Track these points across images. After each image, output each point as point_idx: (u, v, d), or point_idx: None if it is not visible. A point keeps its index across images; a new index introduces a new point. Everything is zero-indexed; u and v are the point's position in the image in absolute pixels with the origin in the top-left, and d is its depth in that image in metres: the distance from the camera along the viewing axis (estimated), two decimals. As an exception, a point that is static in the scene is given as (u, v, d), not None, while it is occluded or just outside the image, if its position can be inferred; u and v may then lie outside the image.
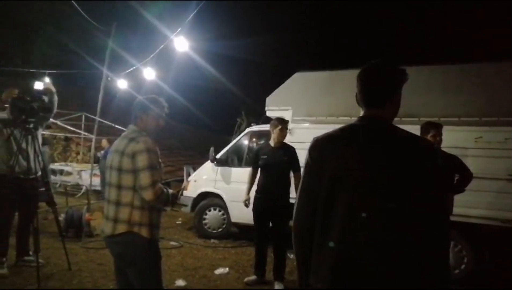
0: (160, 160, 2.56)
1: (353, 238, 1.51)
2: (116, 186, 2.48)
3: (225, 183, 6.70)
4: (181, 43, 6.82)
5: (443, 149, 4.05)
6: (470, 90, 4.97)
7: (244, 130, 7.58)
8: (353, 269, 1.51)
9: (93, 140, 8.38)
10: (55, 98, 4.64)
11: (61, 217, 5.86)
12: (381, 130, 1.60)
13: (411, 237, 1.48)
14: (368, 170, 1.53)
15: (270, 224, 4.65)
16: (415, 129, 4.06)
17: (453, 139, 4.59)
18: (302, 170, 1.77)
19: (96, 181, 10.07)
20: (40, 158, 4.42)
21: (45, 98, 4.45)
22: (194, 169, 7.61)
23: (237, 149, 6.91)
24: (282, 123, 4.61)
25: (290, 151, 4.58)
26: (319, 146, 1.68)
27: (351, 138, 1.63)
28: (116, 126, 9.36)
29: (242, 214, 5.88)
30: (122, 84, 8.85)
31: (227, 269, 5.09)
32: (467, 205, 4.55)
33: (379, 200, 1.51)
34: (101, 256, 5.13)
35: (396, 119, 1.66)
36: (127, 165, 2.44)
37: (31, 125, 4.35)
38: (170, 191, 2.62)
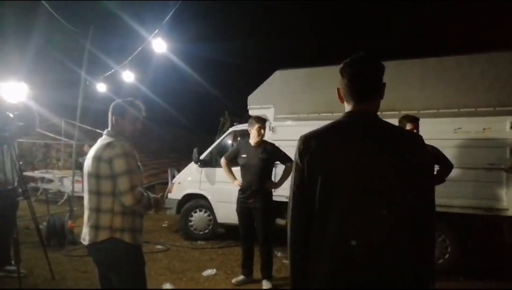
0: (139, 163, 2.51)
1: (349, 241, 1.49)
2: (95, 193, 2.42)
3: (210, 184, 6.65)
4: (159, 45, 6.76)
5: (422, 141, 4.10)
6: (448, 82, 5.07)
7: (228, 129, 7.55)
8: (351, 272, 1.49)
9: (74, 146, 8.19)
10: (35, 114, 4.53)
11: (43, 225, 5.72)
12: (371, 125, 1.57)
13: (403, 235, 1.49)
14: (361, 170, 1.50)
15: (255, 223, 4.64)
16: (394, 123, 4.11)
17: (433, 130, 4.68)
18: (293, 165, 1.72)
19: (78, 187, 9.88)
20: (17, 167, 4.30)
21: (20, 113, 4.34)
22: (179, 171, 7.54)
23: (221, 149, 6.86)
24: (260, 121, 4.59)
25: (269, 148, 4.57)
26: (308, 145, 1.59)
27: (342, 135, 1.58)
28: (97, 130, 9.21)
29: (228, 214, 5.84)
30: (101, 87, 8.70)
31: (214, 270, 5.06)
32: (448, 195, 4.61)
33: (374, 202, 1.49)
34: (85, 263, 5.02)
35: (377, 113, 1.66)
36: (105, 171, 2.38)
37: (7, 134, 4.23)
38: (152, 195, 2.57)
